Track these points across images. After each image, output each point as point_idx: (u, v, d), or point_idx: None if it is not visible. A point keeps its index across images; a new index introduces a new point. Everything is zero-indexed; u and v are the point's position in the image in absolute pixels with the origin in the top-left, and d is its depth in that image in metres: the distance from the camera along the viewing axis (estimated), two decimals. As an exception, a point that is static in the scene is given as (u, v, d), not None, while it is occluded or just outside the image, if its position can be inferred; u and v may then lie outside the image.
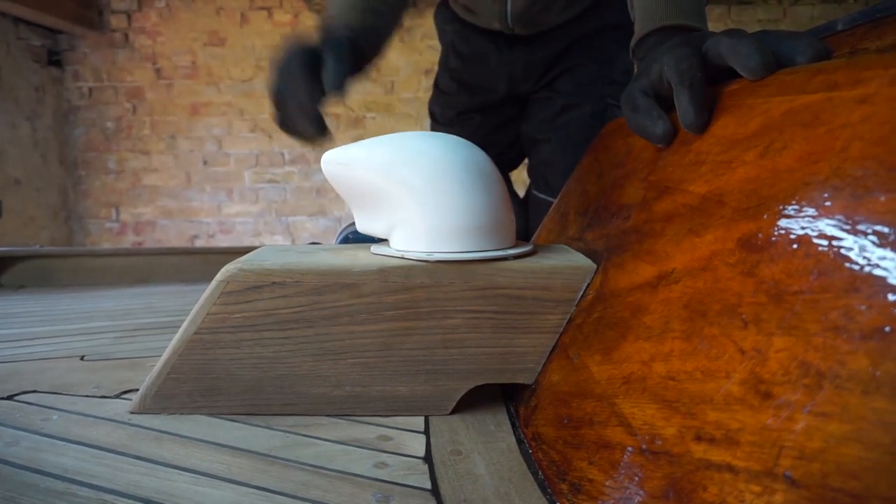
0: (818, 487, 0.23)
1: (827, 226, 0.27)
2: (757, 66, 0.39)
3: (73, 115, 3.50)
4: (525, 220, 1.17)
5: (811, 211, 0.29)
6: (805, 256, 0.28)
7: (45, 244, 3.19)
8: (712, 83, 0.44)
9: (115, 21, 3.44)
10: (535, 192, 1.15)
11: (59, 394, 0.53)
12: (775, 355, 0.27)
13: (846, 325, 0.25)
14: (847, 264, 0.26)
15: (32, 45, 3.28)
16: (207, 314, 0.46)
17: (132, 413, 0.48)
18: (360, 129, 3.47)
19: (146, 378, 0.49)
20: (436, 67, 1.25)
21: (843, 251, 0.26)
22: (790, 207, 0.30)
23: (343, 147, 0.51)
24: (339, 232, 1.35)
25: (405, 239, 0.48)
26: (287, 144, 3.50)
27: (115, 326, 0.81)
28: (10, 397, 0.52)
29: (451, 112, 1.20)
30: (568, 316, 0.46)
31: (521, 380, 0.47)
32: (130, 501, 0.35)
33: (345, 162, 0.50)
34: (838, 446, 0.23)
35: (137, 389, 0.52)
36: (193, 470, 0.39)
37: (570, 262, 0.48)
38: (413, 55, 3.41)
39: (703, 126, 0.42)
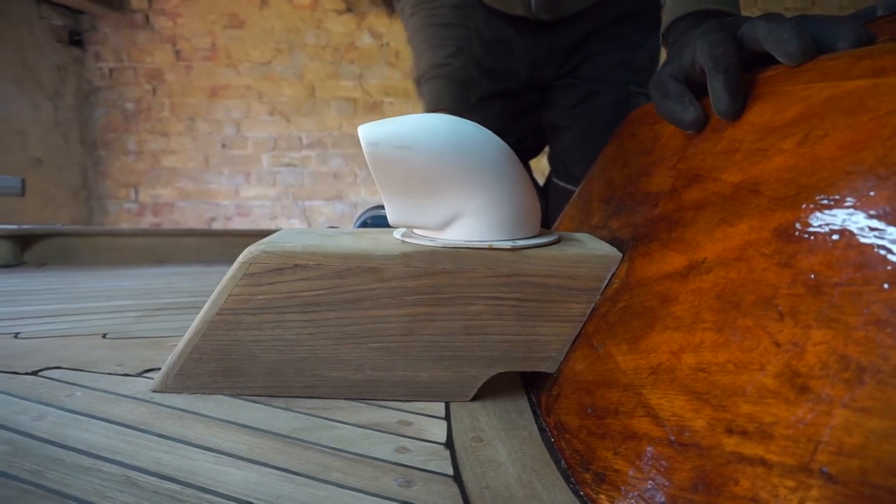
0: (857, 484, 0.22)
1: (870, 216, 0.27)
2: (796, 52, 0.38)
3: (93, 95, 3.52)
4: (545, 209, 1.16)
5: (853, 200, 0.28)
6: (846, 247, 0.27)
7: (65, 223, 3.23)
8: (747, 69, 0.43)
9: (136, 2, 3.44)
10: (556, 181, 1.14)
11: (83, 370, 0.53)
12: (813, 348, 0.26)
13: (889, 318, 0.24)
14: (891, 256, 0.25)
15: (54, 25, 3.30)
16: (230, 295, 0.46)
17: (154, 391, 0.48)
18: (377, 114, 3.46)
19: (168, 357, 0.49)
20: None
21: (887, 242, 0.25)
22: (831, 197, 0.29)
23: (382, 126, 0.44)
24: (356, 216, 1.35)
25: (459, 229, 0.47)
26: (305, 128, 3.50)
27: (136, 305, 0.82)
28: (35, 373, 0.52)
29: (472, 97, 1.18)
30: (592, 305, 0.46)
31: (543, 368, 0.47)
32: (154, 478, 0.35)
33: (405, 145, 0.43)
34: (879, 442, 0.22)
35: (159, 368, 0.52)
36: (215, 449, 0.39)
37: (594, 250, 0.47)
38: (432, 40, 3.38)
39: (737, 113, 0.41)
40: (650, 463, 0.31)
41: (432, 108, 0.97)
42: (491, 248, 0.45)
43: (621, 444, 0.34)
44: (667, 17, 0.59)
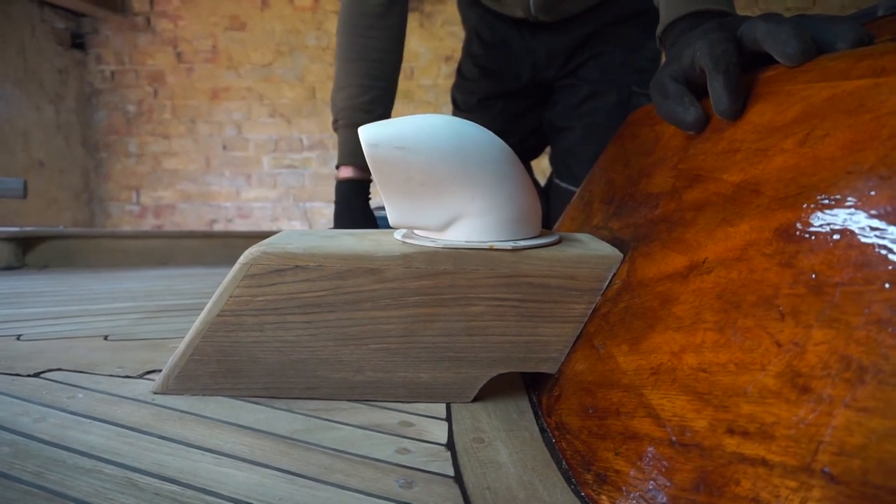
0: (859, 484, 0.22)
1: (871, 216, 0.26)
2: (795, 52, 0.38)
3: (95, 98, 3.53)
4: (546, 210, 1.16)
5: (854, 200, 0.28)
6: (847, 247, 0.27)
7: (67, 225, 3.24)
8: (747, 69, 0.43)
9: (138, 5, 3.45)
10: (558, 181, 1.14)
11: (84, 372, 0.53)
12: (814, 348, 0.26)
13: (891, 318, 0.24)
14: (892, 255, 0.25)
15: (56, 28, 3.31)
16: (231, 296, 0.46)
17: (155, 393, 0.48)
18: (378, 116, 3.46)
19: (169, 359, 0.49)
20: (456, 54, 1.24)
21: (888, 242, 0.25)
22: (832, 197, 0.29)
23: (383, 127, 0.44)
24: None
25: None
26: (306, 130, 3.50)
27: (137, 307, 0.82)
28: (36, 375, 0.52)
29: (472, 99, 1.19)
30: (593, 305, 0.46)
31: (544, 369, 0.47)
32: (155, 480, 0.35)
33: (406, 146, 0.43)
34: (881, 442, 0.22)
35: (160, 370, 0.52)
36: (216, 451, 0.39)
37: (595, 251, 0.47)
38: (433, 41, 3.39)
39: (737, 113, 0.41)
40: (651, 463, 0.31)
41: (344, 160, 0.96)
42: (492, 249, 0.45)
43: (622, 445, 0.34)
44: (663, 18, 0.59)
